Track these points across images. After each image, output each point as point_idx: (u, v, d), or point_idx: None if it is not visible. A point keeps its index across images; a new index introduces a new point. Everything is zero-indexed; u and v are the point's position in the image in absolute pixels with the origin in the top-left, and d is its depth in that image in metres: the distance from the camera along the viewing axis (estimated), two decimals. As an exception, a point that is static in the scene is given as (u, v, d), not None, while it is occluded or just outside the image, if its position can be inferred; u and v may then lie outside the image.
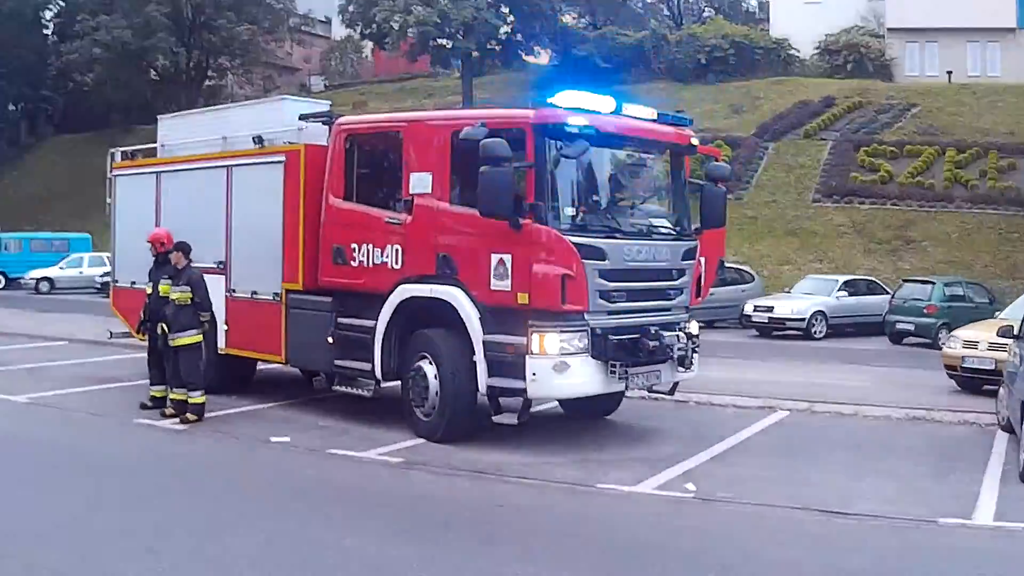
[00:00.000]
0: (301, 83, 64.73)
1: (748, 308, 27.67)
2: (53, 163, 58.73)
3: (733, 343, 24.31)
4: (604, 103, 11.12)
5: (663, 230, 11.93)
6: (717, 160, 13.85)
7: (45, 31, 63.29)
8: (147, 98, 54.07)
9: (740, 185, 38.37)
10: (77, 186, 50.38)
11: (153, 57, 55.53)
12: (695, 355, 11.93)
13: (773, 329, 27.11)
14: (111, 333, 16.97)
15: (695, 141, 12.33)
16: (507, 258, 10.78)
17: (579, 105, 10.85)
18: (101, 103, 58.44)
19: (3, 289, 40.48)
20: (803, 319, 26.83)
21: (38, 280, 39.52)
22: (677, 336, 11.53)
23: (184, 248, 12.72)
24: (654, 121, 11.87)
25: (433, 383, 11.38)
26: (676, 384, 12.22)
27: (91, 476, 9.84)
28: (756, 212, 37.58)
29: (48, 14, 62.99)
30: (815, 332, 26.81)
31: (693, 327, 12.06)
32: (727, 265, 26.94)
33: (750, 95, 47.16)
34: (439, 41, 49.88)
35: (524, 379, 10.61)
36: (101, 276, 35.68)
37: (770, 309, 27.21)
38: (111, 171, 16.80)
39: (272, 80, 60.02)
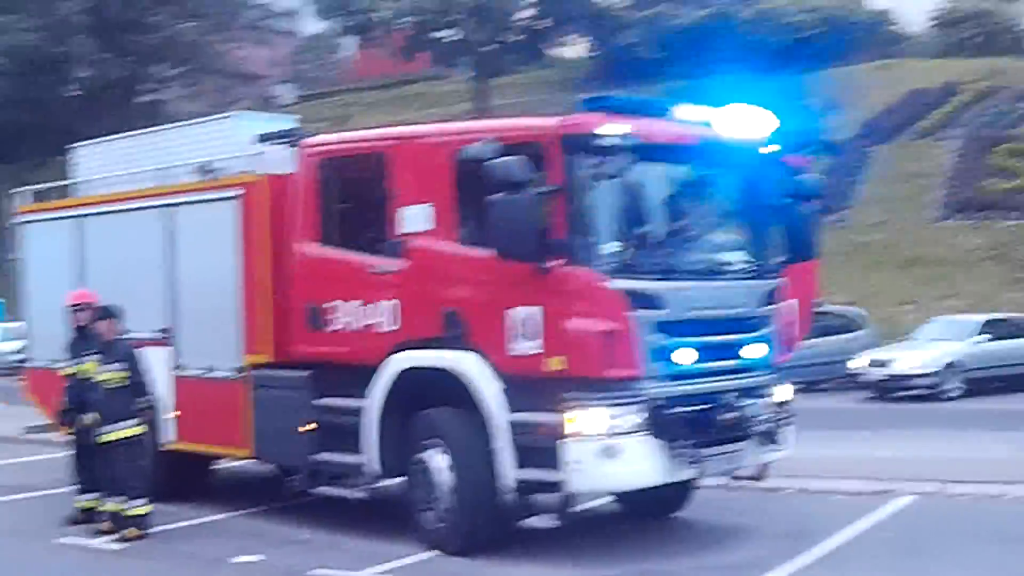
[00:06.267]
0: (266, 95, 65.26)
1: (858, 363, 27.57)
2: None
3: (839, 410, 24.11)
4: (651, 104, 11.15)
5: (737, 266, 11.96)
6: (805, 171, 13.83)
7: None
8: (67, 121, 54.44)
9: (842, 203, 38.29)
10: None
11: (72, 67, 55.82)
12: (788, 428, 11.90)
13: (892, 389, 26.92)
14: (27, 428, 17.04)
15: (776, 148, 12.32)
16: (534, 312, 10.81)
17: (619, 108, 10.93)
18: (8, 128, 58.88)
19: None
20: (932, 374, 26.67)
21: (-71, 360, 39.67)
22: (760, 404, 11.49)
23: (112, 314, 12.80)
24: (719, 124, 11.89)
25: (445, 478, 11.37)
26: (766, 467, 12.16)
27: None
28: (864, 236, 37.47)
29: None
30: (948, 391, 26.60)
31: (783, 391, 12.00)
32: (827, 309, 27.01)
33: (849, 85, 47.12)
34: (440, 33, 50.11)
35: (562, 469, 10.60)
36: (15, 353, 35.79)
37: (887, 363, 27.06)
38: (14, 217, 16.93)
39: (228, 92, 60.44)
